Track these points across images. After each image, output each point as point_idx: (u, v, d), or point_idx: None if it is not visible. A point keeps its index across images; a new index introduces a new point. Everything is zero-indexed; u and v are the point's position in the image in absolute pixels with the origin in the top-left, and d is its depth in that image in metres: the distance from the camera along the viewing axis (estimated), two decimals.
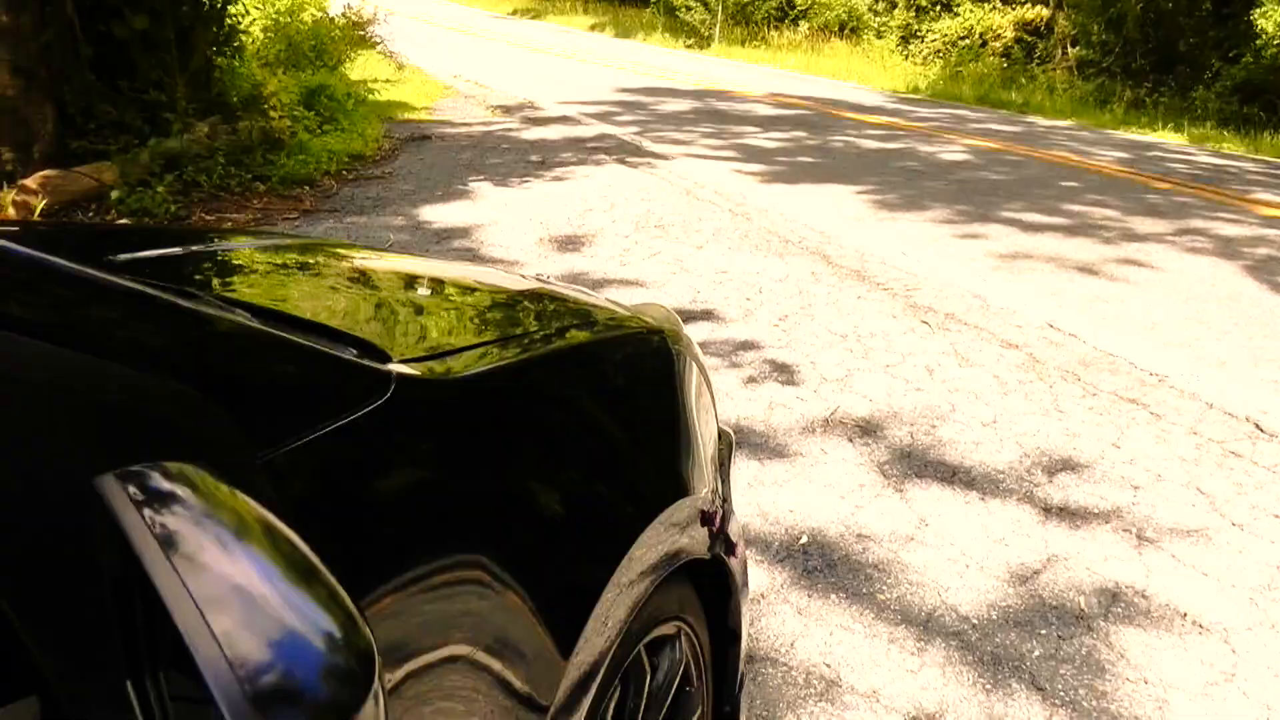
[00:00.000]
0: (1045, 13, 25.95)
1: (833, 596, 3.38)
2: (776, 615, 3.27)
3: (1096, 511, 4.00)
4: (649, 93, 17.84)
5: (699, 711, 2.16)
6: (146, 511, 0.83)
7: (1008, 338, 5.91)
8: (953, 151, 13.04)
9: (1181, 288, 7.22)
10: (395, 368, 1.37)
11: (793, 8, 31.99)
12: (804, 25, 31.43)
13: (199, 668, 0.76)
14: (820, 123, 15.12)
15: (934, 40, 27.50)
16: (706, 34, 32.44)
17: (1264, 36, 20.37)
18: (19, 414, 0.89)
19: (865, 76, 25.41)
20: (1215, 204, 10.44)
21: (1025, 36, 25.98)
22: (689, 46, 32.17)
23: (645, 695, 1.92)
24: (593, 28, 37.83)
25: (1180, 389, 5.28)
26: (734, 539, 2.23)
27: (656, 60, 26.10)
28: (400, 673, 1.11)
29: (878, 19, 30.76)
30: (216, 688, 0.75)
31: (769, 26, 31.95)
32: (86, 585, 0.88)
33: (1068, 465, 4.36)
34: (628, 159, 10.82)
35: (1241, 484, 4.28)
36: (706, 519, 2.04)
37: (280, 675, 0.78)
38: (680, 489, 1.94)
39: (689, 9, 32.91)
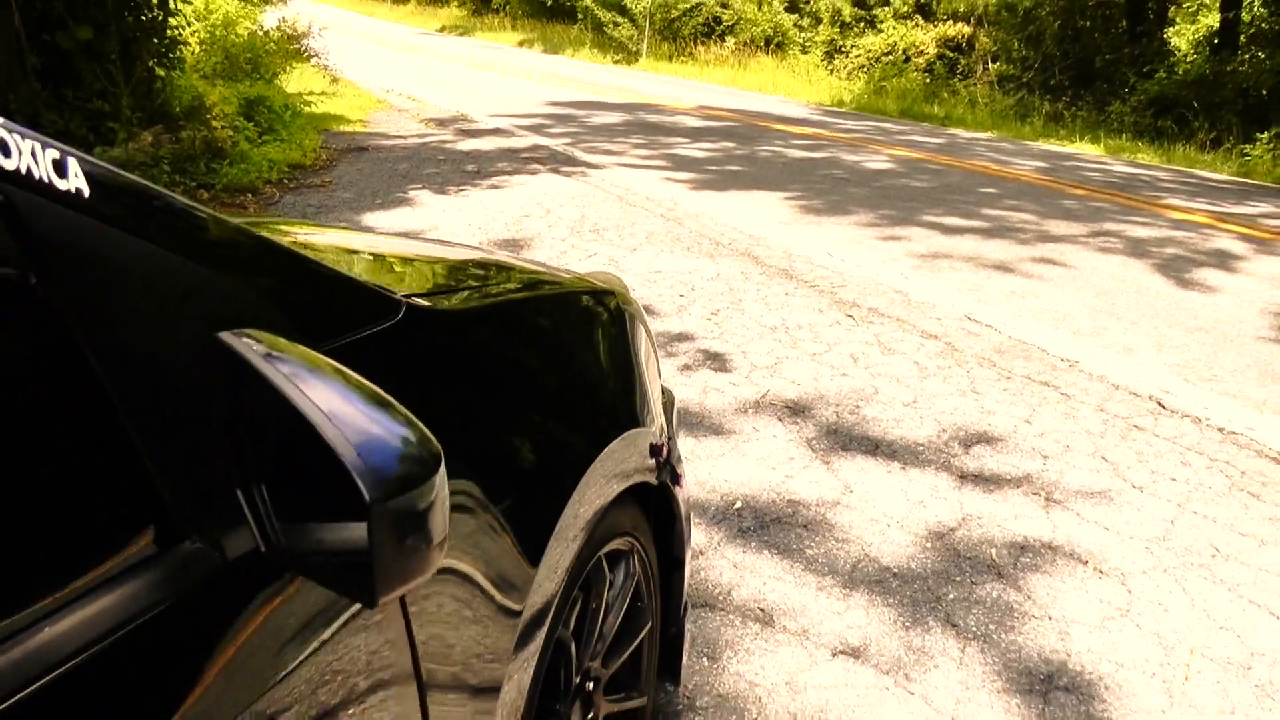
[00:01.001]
0: (967, 30, 26.56)
1: (765, 552, 3.66)
2: (714, 569, 3.55)
3: (1008, 478, 4.32)
4: (579, 106, 18.13)
5: (649, 625, 2.43)
6: (261, 355, 1.12)
7: (927, 329, 6.24)
8: (877, 161, 13.43)
9: (1093, 284, 7.61)
10: (403, 299, 1.64)
11: (719, 23, 32.44)
12: (730, 41, 31.89)
13: (334, 450, 1.04)
14: (747, 134, 15.48)
15: (858, 55, 28.05)
16: (634, 49, 32.83)
17: (1177, 54, 21.07)
18: (165, 296, 1.16)
19: (791, 90, 25.87)
20: (1128, 208, 10.88)
21: (947, 53, 26.57)
22: (617, 62, 32.53)
23: (604, 601, 2.19)
24: (521, 44, 38.12)
25: (1089, 372, 5.63)
26: (679, 473, 2.50)
27: (585, 75, 26.40)
28: None
29: (803, 34, 31.31)
30: (349, 461, 1.03)
31: (696, 42, 32.37)
32: (204, 418, 1.15)
33: (982, 439, 4.68)
34: (561, 168, 11.09)
35: (1143, 453, 4.62)
36: (655, 450, 2.32)
37: (384, 453, 1.06)
38: (634, 419, 2.22)
39: (616, 25, 33.30)
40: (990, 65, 25.49)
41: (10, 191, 1.00)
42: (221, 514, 1.14)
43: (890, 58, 27.18)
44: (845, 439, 4.59)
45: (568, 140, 13.35)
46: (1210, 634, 3.33)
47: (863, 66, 27.63)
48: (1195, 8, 24.22)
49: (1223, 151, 17.54)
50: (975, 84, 25.15)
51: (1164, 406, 5.19)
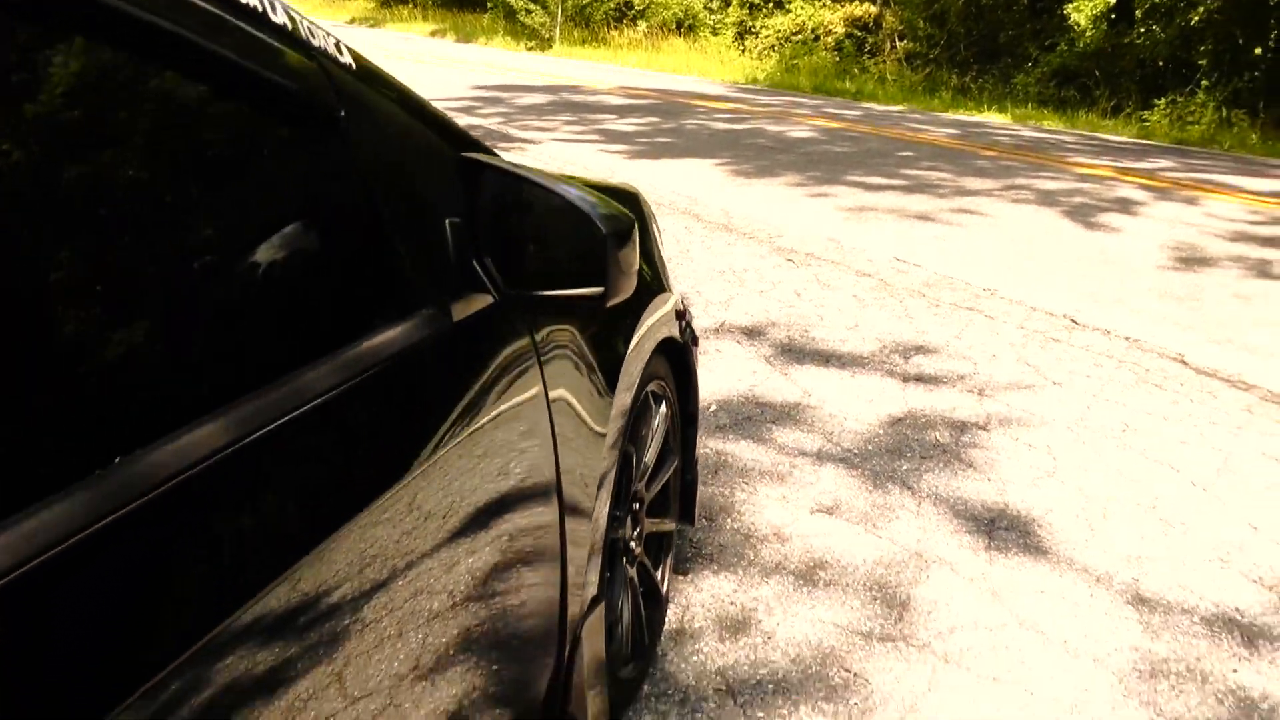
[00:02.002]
0: (873, 9, 27.27)
1: (742, 442, 4.22)
2: (700, 456, 4.10)
3: (945, 378, 4.92)
4: (504, 89, 18.55)
5: (675, 464, 2.98)
6: (503, 162, 1.68)
7: (861, 269, 6.84)
8: (798, 130, 14.05)
9: (1009, 229, 8.26)
10: None
11: (630, 8, 32.93)
12: (642, 25, 32.41)
13: (579, 208, 1.61)
14: (671, 109, 16.03)
15: (768, 36, 28.68)
16: (547, 35, 33.23)
17: (1077, 29, 21.90)
18: (408, 133, 1.71)
19: (705, 70, 26.45)
20: (1036, 166, 11.59)
21: (855, 31, 27.26)
22: (530, 49, 32.90)
23: (650, 428, 2.74)
24: (434, 33, 38.31)
25: (1009, 298, 6.26)
26: (695, 337, 3.06)
27: (502, 61, 26.79)
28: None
29: (713, 16, 31.88)
30: (591, 213, 1.60)
31: (608, 27, 32.84)
32: (439, 216, 1.70)
33: (919, 350, 5.29)
34: (498, 145, 11.57)
35: (1060, 357, 5.25)
36: (679, 315, 2.87)
37: (606, 213, 1.64)
38: (662, 286, 2.77)
39: (528, 12, 33.65)
40: (898, 43, 26.24)
41: (321, 59, 1.53)
42: (450, 288, 1.69)
43: (799, 37, 27.83)
44: (799, 355, 5.16)
45: (500, 119, 13.81)
46: (1122, 486, 3.95)
47: (773, 46, 28.26)
48: None
49: (1123, 117, 18.40)
50: (884, 61, 25.89)
51: (1076, 322, 5.83)
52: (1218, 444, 4.35)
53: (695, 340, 3.04)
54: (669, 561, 3.03)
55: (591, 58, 29.06)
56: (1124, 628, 3.09)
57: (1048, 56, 22.04)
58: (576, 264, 1.74)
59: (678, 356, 2.93)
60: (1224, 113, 17.10)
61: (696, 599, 3.14)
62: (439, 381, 1.64)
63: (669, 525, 2.99)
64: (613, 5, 32.86)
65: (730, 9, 30.73)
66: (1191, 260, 7.39)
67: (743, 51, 29.01)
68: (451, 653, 1.53)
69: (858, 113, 17.47)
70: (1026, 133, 15.77)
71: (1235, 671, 2.93)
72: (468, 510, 1.58)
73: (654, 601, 2.84)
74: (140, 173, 1.16)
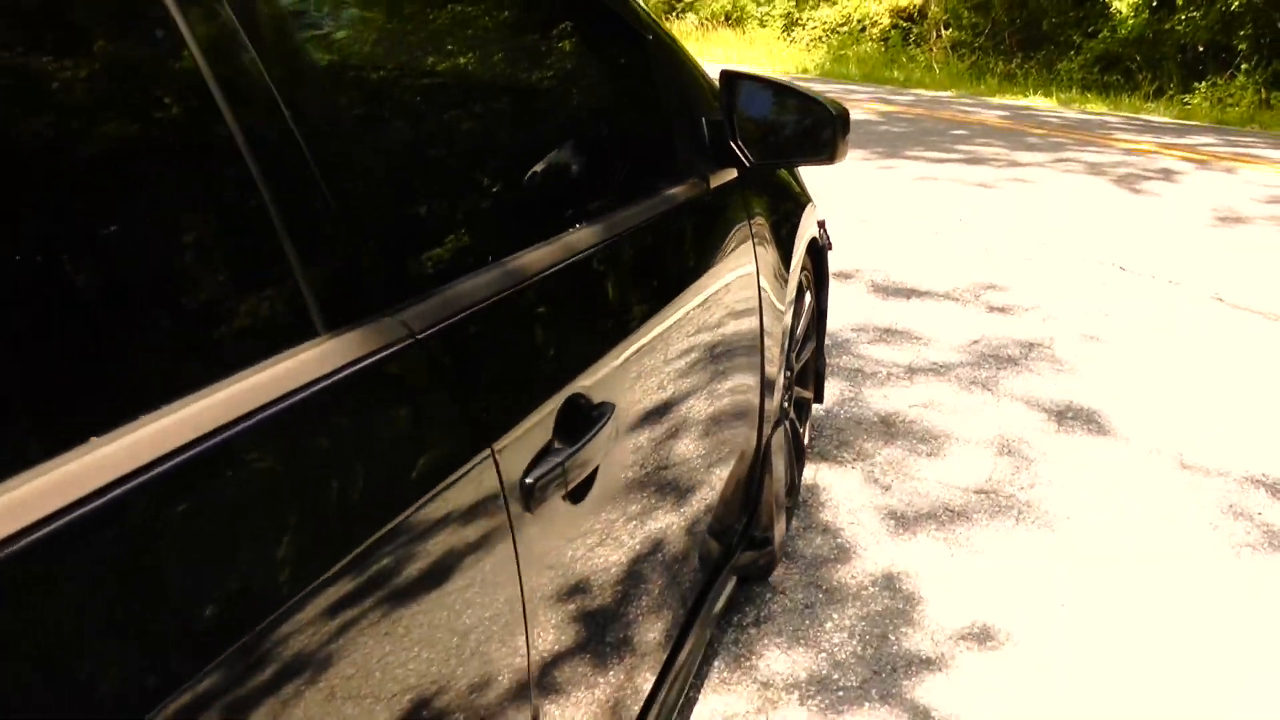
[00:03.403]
0: (917, 0, 27.94)
1: (845, 357, 5.01)
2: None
3: (1011, 309, 5.71)
4: None
5: (812, 347, 3.76)
6: (752, 75, 2.49)
7: (929, 228, 7.62)
8: (855, 114, 14.66)
9: (1060, 194, 9.01)
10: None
11: (680, 1, 33.72)
12: (691, 17, 33.16)
13: (815, 100, 2.43)
14: None
15: (815, 28, 29.38)
16: None
17: (1118, 15, 22.52)
18: (686, 54, 2.52)
19: (756, 61, 27.16)
20: (1083, 142, 12.30)
21: (901, 22, 27.90)
22: None
23: (802, 306, 3.51)
24: None
25: (1063, 250, 7.02)
26: (830, 243, 3.83)
27: None
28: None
29: (760, 9, 32.59)
30: (826, 103, 2.41)
31: (660, 19, 33.57)
32: (711, 113, 2.52)
33: (988, 288, 6.07)
34: None
35: (1111, 295, 6.03)
36: (820, 223, 3.66)
37: (834, 107, 2.44)
38: (809, 198, 3.56)
39: None
40: (943, 32, 26.88)
41: None
42: (707, 164, 2.49)
43: (846, 29, 28.52)
44: (885, 292, 5.96)
45: None
46: (1169, 388, 4.73)
47: (820, 38, 28.95)
48: None
49: (1165, 100, 19.03)
50: (930, 49, 26.55)
51: (1124, 269, 6.59)
52: (1250, 357, 5.11)
53: (830, 245, 3.82)
54: (808, 424, 3.83)
55: None
56: (1172, 481, 3.87)
57: (1090, 43, 22.63)
58: (808, 141, 2.56)
59: (817, 256, 3.72)
60: (1263, 94, 17.72)
61: (824, 463, 3.95)
62: (697, 225, 2.45)
63: (808, 395, 3.78)
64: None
65: (778, 1, 31.41)
66: (1229, 219, 8.11)
67: (790, 42, 29.70)
68: (703, 451, 2.31)
69: (909, 98, 18.19)
70: (1072, 114, 16.45)
71: (1261, 513, 3.70)
72: (721, 319, 2.39)
73: (799, 452, 3.64)
74: (516, 70, 2.02)
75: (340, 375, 1.06)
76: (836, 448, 4.06)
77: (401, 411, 1.23)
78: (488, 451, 1.27)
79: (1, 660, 0.69)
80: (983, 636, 2.98)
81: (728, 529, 2.70)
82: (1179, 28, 21.47)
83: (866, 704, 2.71)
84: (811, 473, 3.84)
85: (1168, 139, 12.70)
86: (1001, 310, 5.69)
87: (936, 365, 4.92)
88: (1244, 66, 18.40)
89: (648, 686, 1.95)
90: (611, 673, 1.73)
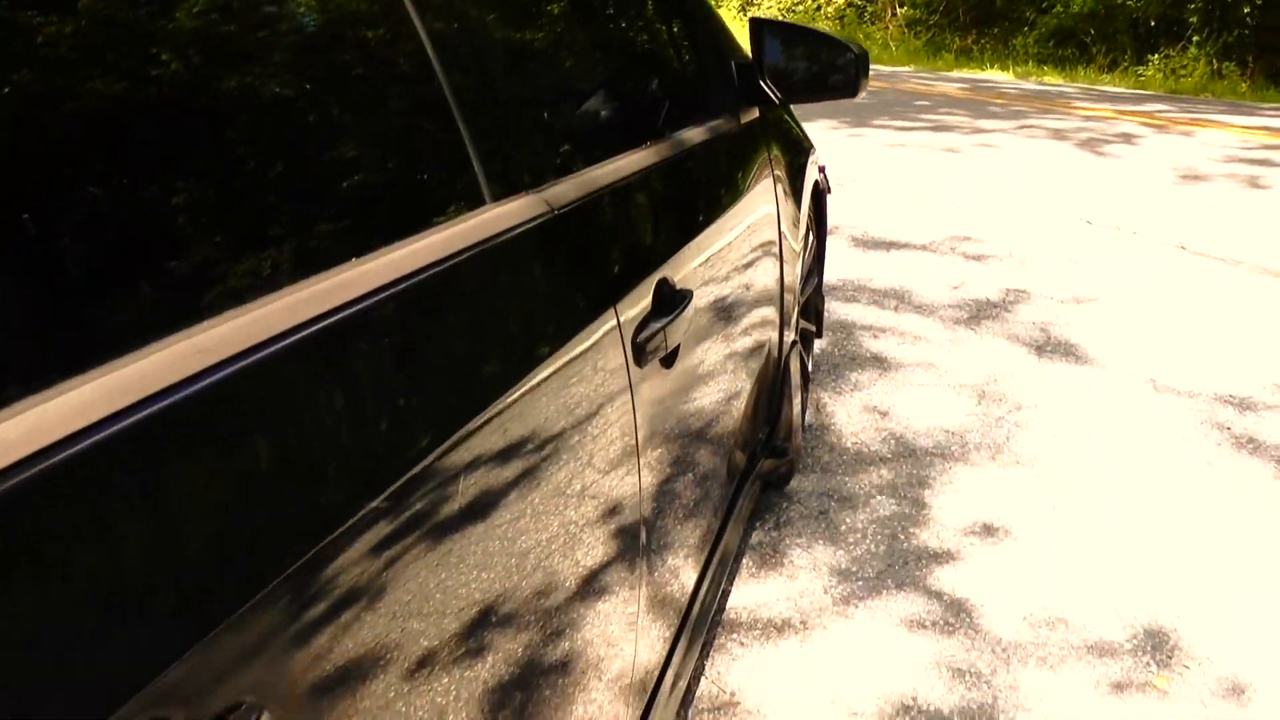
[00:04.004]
0: None
1: (832, 303, 5.29)
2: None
3: (987, 257, 6.01)
4: None
5: (815, 283, 4.03)
6: (780, 23, 2.76)
7: (903, 189, 7.91)
8: None
9: (1025, 157, 9.33)
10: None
11: None
12: None
13: (839, 41, 2.70)
14: None
15: (770, 6, 29.64)
16: None
17: None
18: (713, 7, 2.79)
19: None
20: (1044, 110, 12.65)
21: (855, 1, 28.24)
22: None
23: (810, 241, 3.78)
24: None
25: (1031, 207, 7.34)
26: (830, 186, 4.10)
27: None
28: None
29: None
30: (848, 44, 2.69)
31: None
32: (739, 56, 2.78)
33: (964, 240, 6.37)
34: None
35: (1079, 245, 6.34)
36: (821, 169, 3.93)
37: (854, 45, 2.72)
38: (811, 146, 3.83)
39: None
40: (899, 10, 27.20)
41: None
42: (737, 103, 2.76)
43: (801, 8, 28.79)
44: (866, 244, 6.25)
45: None
46: (1140, 322, 5.04)
47: (775, 17, 29.22)
48: None
49: (1119, 71, 19.42)
50: (886, 27, 26.87)
51: (1090, 223, 6.91)
52: (1211, 296, 5.43)
53: (829, 189, 4.10)
54: (810, 354, 4.10)
55: None
56: (1147, 402, 4.18)
57: (1044, 18, 23.02)
58: (831, 78, 2.82)
59: (818, 199, 3.99)
60: (1215, 65, 18.13)
61: (824, 393, 4.23)
62: (730, 153, 2.72)
63: (811, 327, 4.06)
64: None
65: None
66: (1189, 177, 8.45)
67: (745, 24, 29.92)
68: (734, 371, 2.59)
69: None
70: (1030, 86, 16.81)
71: (1230, 426, 4.01)
72: (749, 241, 2.64)
73: (804, 379, 3.91)
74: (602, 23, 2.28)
75: (500, 239, 1.30)
76: (835, 380, 4.34)
77: (546, 269, 1.48)
78: (612, 310, 1.53)
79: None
80: (983, 533, 3.26)
81: (753, 439, 2.96)
82: (1130, 2, 21.88)
83: (884, 591, 2.99)
84: (815, 400, 4.11)
85: (1125, 106, 13.06)
86: (977, 259, 5.99)
87: (921, 307, 5.21)
88: (1195, 39, 18.80)
89: (693, 579, 2.19)
90: (670, 554, 1.97)
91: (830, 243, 5.86)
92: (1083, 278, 5.68)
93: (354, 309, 0.95)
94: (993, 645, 2.77)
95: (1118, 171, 8.69)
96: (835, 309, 5.13)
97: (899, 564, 3.11)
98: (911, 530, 3.28)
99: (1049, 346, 4.71)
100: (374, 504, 0.90)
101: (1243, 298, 5.45)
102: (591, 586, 1.45)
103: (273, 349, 0.84)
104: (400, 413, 1.03)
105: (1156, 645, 2.78)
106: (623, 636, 1.60)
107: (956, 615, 2.89)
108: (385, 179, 1.23)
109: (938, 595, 2.96)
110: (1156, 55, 19.33)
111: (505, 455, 1.17)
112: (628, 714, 1.67)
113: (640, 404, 1.61)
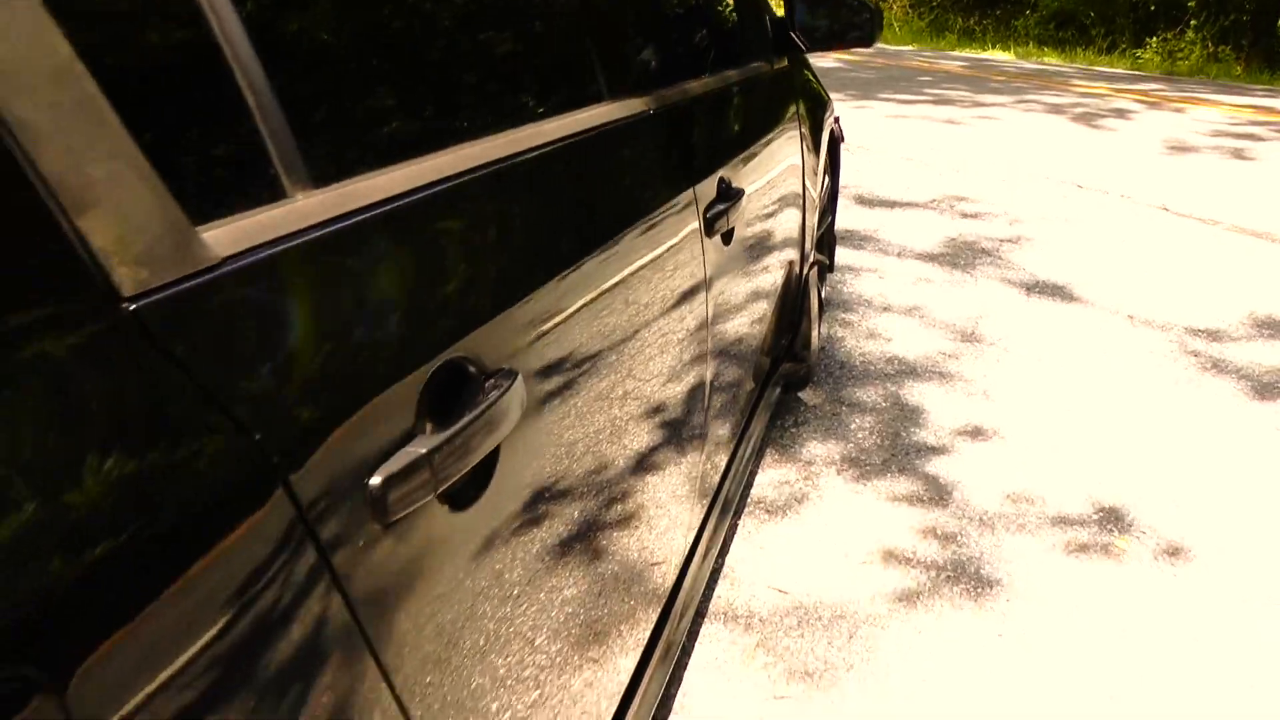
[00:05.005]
0: None
1: (838, 251, 5.77)
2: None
3: (983, 215, 6.49)
4: None
5: (829, 221, 4.50)
6: None
7: (905, 155, 8.39)
8: (824, 63, 15.50)
9: (1023, 128, 9.80)
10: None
11: None
12: None
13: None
14: None
15: None
16: None
17: None
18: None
19: None
20: (1042, 86, 13.11)
21: None
22: None
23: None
24: None
25: (1026, 172, 7.81)
26: (843, 135, 4.56)
27: None
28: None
29: None
30: (866, 3, 3.18)
31: None
32: (770, 12, 3.26)
33: (961, 200, 6.85)
34: None
35: (1070, 206, 6.82)
36: (836, 120, 4.40)
37: (861, 5, 3.21)
38: (829, 101, 4.30)
39: None
40: None
41: None
42: (770, 51, 3.24)
43: None
44: (870, 203, 6.72)
45: None
46: (1123, 269, 5.52)
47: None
48: None
49: (1117, 54, 19.87)
50: (891, 7, 27.29)
51: (1081, 187, 7.39)
52: (1190, 250, 5.92)
53: (843, 138, 4.57)
54: (824, 285, 4.59)
55: None
56: (1123, 333, 4.67)
57: (1046, 1, 23.46)
58: (850, 29, 3.31)
59: (833, 146, 4.46)
60: (1211, 48, 18.58)
61: (835, 324, 4.72)
62: (767, 91, 3.19)
63: (824, 259, 4.54)
64: None
65: None
66: (1177, 149, 8.93)
67: None
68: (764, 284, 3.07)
69: (872, 50, 18.93)
70: (1030, 65, 17.26)
71: (1198, 354, 4.49)
72: (779, 170, 3.11)
73: (819, 304, 4.39)
74: None
75: (612, 126, 1.77)
76: (844, 313, 4.82)
77: (649, 151, 1.96)
78: (691, 190, 2.01)
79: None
80: (976, 433, 3.76)
81: (777, 344, 3.44)
82: None
83: (888, 475, 3.48)
84: (825, 330, 4.60)
85: (1121, 84, 13.52)
86: (974, 216, 6.47)
87: (921, 255, 5.69)
88: (1193, 23, 19.23)
89: (724, 462, 2.64)
90: (717, 424, 2.42)
91: (838, 199, 6.35)
92: (1071, 233, 6.16)
93: (529, 156, 1.38)
94: (979, 516, 3.26)
95: (1110, 142, 9.16)
96: (843, 256, 5.60)
97: (900, 455, 3.60)
98: (911, 430, 3.77)
99: (1037, 288, 5.20)
100: (532, 296, 1.26)
101: (1218, 251, 5.94)
102: (663, 433, 1.88)
103: (478, 174, 1.20)
104: (560, 228, 1.48)
105: (1118, 518, 3.27)
106: (671, 503, 1.98)
107: (948, 494, 3.38)
108: (543, 73, 1.70)
109: (933, 479, 3.45)
110: (1155, 39, 19.76)
111: (622, 276, 1.64)
112: (669, 577, 2.05)
113: (708, 263, 2.10)
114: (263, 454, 0.77)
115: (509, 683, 1.21)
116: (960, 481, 3.44)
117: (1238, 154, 8.78)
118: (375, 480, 0.90)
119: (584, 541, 1.45)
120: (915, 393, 4.06)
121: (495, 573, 1.16)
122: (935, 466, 3.53)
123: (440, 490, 0.99)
